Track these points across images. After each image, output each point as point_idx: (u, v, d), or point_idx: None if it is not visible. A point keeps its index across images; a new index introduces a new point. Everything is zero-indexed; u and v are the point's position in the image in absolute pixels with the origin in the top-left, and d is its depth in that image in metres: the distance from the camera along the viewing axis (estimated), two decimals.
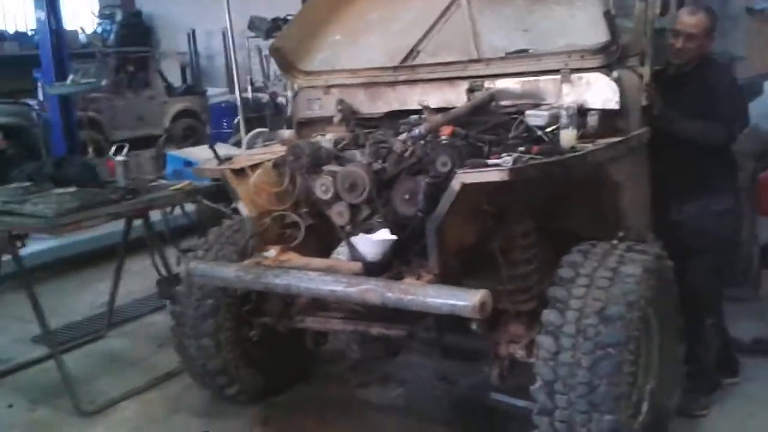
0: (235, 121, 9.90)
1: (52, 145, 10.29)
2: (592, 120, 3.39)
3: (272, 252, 3.67)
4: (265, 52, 11.25)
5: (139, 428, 4.16)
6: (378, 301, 3.04)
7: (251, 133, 5.48)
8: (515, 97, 3.68)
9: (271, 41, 6.26)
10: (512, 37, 3.84)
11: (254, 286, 3.50)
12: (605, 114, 3.43)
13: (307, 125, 4.34)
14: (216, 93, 14.55)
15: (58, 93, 9.69)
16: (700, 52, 3.81)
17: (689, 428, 3.79)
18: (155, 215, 5.33)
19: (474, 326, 3.11)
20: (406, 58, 4.08)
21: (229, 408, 4.21)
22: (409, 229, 3.31)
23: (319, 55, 4.37)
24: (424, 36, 4.10)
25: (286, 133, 4.45)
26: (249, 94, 12.10)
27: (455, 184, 2.94)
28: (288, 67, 4.37)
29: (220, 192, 4.82)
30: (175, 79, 16.38)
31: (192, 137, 13.63)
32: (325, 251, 3.68)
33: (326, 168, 3.62)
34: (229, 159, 3.90)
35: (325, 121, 4.22)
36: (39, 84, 11.72)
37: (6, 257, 4.60)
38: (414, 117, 3.83)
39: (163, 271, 5.21)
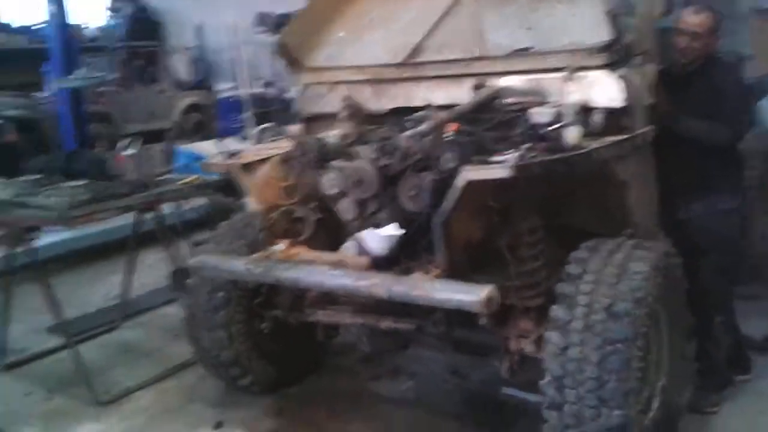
0: (243, 116, 9.96)
1: (63, 139, 10.37)
2: (597, 118, 3.40)
3: (281, 246, 3.73)
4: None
5: (154, 417, 4.24)
6: (385, 296, 3.09)
7: (258, 129, 5.53)
8: (520, 94, 3.68)
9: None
10: (517, 34, 3.85)
11: (264, 280, 3.55)
12: (610, 112, 3.44)
13: (312, 121, 4.37)
14: (224, 88, 14.56)
15: (67, 86, 9.76)
16: (705, 52, 3.82)
17: (700, 425, 3.80)
18: (167, 209, 5.41)
19: (482, 321, 3.14)
20: (411, 55, 4.10)
21: (243, 398, 4.28)
22: (416, 224, 3.34)
23: (324, 50, 4.38)
24: (429, 33, 4.10)
25: (294, 128, 4.49)
26: (257, 90, 12.15)
27: (460, 181, 2.98)
28: (294, 62, 4.40)
29: (229, 186, 4.90)
30: (184, 74, 16.40)
31: (201, 131, 13.68)
32: (334, 245, 3.72)
33: (333, 164, 3.68)
34: (237, 154, 3.95)
35: (331, 117, 4.23)
36: (47, 77, 11.77)
37: (20, 249, 4.68)
38: (420, 113, 3.86)
39: (175, 264, 5.30)
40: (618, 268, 3.03)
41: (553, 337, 2.98)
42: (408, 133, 3.59)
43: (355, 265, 3.37)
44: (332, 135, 3.92)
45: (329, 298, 3.78)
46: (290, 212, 3.89)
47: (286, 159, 3.90)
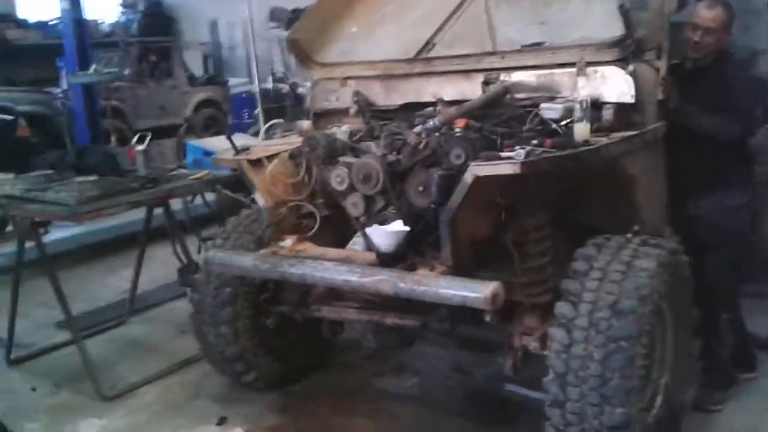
0: (255, 111, 9.97)
1: (76, 134, 10.42)
2: (607, 114, 3.37)
3: (288, 242, 3.73)
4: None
5: (159, 413, 4.23)
6: (391, 292, 3.08)
7: (267, 124, 5.53)
8: (530, 90, 3.67)
9: None
10: (528, 29, 3.83)
11: (270, 275, 3.55)
12: (620, 108, 3.41)
13: (323, 116, 4.37)
14: (237, 83, 14.62)
15: (81, 82, 9.79)
16: (718, 47, 3.78)
17: (704, 423, 3.78)
18: (176, 204, 5.42)
19: (488, 318, 3.12)
20: (421, 50, 4.09)
21: (247, 395, 4.27)
22: (423, 220, 3.32)
23: (335, 46, 4.39)
24: (440, 28, 4.10)
25: (305, 123, 4.48)
26: (269, 85, 12.16)
27: (468, 177, 2.96)
28: (305, 58, 4.40)
29: (239, 182, 4.88)
30: (197, 70, 16.48)
31: (213, 127, 13.72)
32: (341, 242, 3.73)
33: (342, 159, 3.67)
34: (246, 149, 3.94)
35: (342, 113, 4.24)
36: (62, 73, 11.84)
37: (30, 244, 4.70)
38: (429, 109, 3.84)
39: (184, 259, 5.30)
40: (624, 265, 3.00)
41: (557, 334, 2.97)
42: (417, 128, 3.59)
43: (362, 262, 3.36)
44: (341, 130, 3.90)
45: (335, 294, 3.77)
46: (298, 208, 3.88)
47: (294, 155, 3.89)
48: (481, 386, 4.24)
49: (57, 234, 6.47)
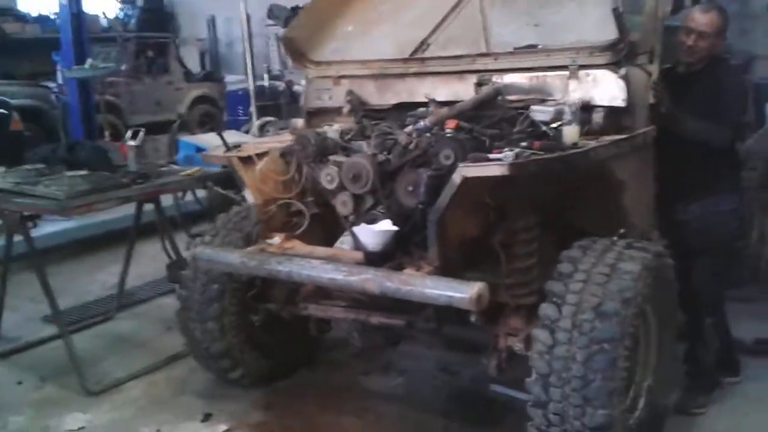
0: (251, 108, 9.97)
1: (71, 129, 10.40)
2: (598, 117, 3.38)
3: (277, 239, 3.73)
4: None
5: (144, 409, 4.22)
6: (377, 291, 3.08)
7: (259, 121, 5.53)
8: (523, 92, 3.67)
9: None
10: (522, 31, 3.85)
11: (257, 273, 3.54)
12: (611, 111, 3.42)
13: (316, 115, 4.37)
14: (234, 80, 14.60)
15: (76, 77, 9.77)
16: (711, 52, 3.79)
17: (687, 426, 3.80)
18: (167, 200, 5.41)
19: (473, 318, 3.13)
20: (415, 51, 4.10)
21: (233, 391, 4.27)
22: (412, 220, 3.33)
23: (330, 45, 4.39)
24: (435, 29, 4.11)
25: (300, 122, 4.48)
26: (266, 82, 12.17)
27: (456, 178, 2.96)
28: (299, 56, 4.40)
29: (230, 179, 4.88)
30: (194, 66, 16.47)
31: (209, 123, 13.71)
32: (330, 240, 3.72)
33: (332, 158, 3.66)
34: (237, 146, 3.94)
35: (335, 112, 4.24)
36: (58, 67, 11.82)
37: (18, 237, 4.68)
38: (421, 109, 3.84)
39: (173, 256, 5.29)
40: (608, 267, 3.00)
41: (540, 335, 2.97)
42: (408, 128, 3.59)
43: (349, 260, 3.36)
44: (333, 129, 3.90)
45: (323, 292, 3.78)
46: (288, 206, 3.88)
47: (285, 152, 3.89)
48: (467, 386, 4.24)
49: (46, 228, 6.45)
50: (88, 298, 6.04)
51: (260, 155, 3.86)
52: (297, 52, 4.39)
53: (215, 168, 5.12)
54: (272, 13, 12.05)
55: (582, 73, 3.49)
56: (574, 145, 3.15)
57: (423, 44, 4.12)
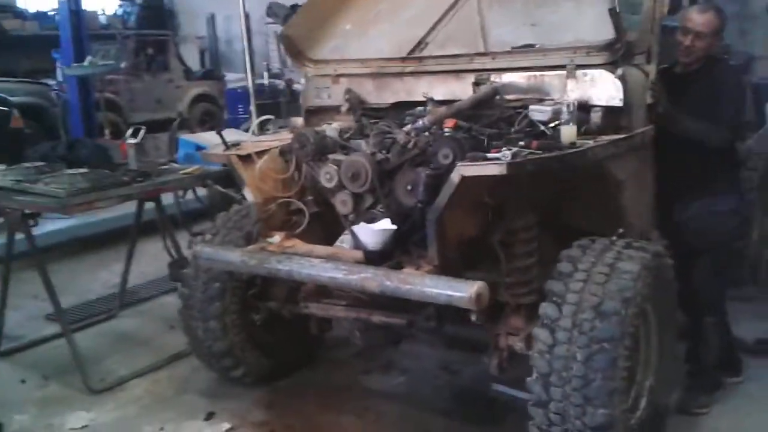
0: (251, 107, 9.96)
1: (71, 126, 10.40)
2: (596, 117, 3.38)
3: (277, 238, 3.74)
4: None
5: (147, 407, 4.24)
6: (376, 290, 3.09)
7: (257, 120, 5.52)
8: (521, 91, 3.68)
9: None
10: (520, 31, 3.86)
11: (257, 271, 3.56)
12: (609, 111, 3.42)
13: (315, 113, 4.36)
14: (234, 78, 14.61)
15: (76, 74, 9.78)
16: (708, 52, 3.79)
17: (689, 426, 3.80)
18: (168, 199, 5.42)
19: (473, 317, 3.14)
20: (414, 50, 4.10)
21: (235, 390, 4.29)
22: (411, 219, 3.34)
23: (328, 43, 4.39)
24: (433, 27, 4.12)
25: (299, 120, 4.49)
26: (265, 80, 12.15)
27: (455, 177, 2.97)
28: (298, 55, 4.40)
29: (230, 177, 4.89)
30: (194, 64, 16.47)
31: (209, 122, 13.72)
32: (330, 239, 3.73)
33: (331, 157, 3.68)
34: (236, 145, 3.95)
35: (334, 110, 4.23)
36: (58, 64, 11.83)
37: (19, 236, 4.70)
38: (420, 108, 3.85)
39: (175, 254, 5.31)
40: (608, 267, 3.01)
41: (540, 334, 2.98)
42: (406, 127, 3.60)
43: (349, 259, 3.37)
44: (332, 128, 3.91)
45: (324, 291, 3.78)
46: (287, 205, 3.89)
47: (284, 151, 3.90)
48: (468, 385, 4.26)
49: (48, 227, 6.48)
50: (90, 296, 6.06)
51: (259, 154, 3.87)
52: (295, 50, 4.39)
53: (215, 166, 5.12)
54: (271, 10, 12.02)
55: (579, 72, 3.48)
56: (572, 145, 3.16)
57: (421, 43, 4.13)
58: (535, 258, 3.32)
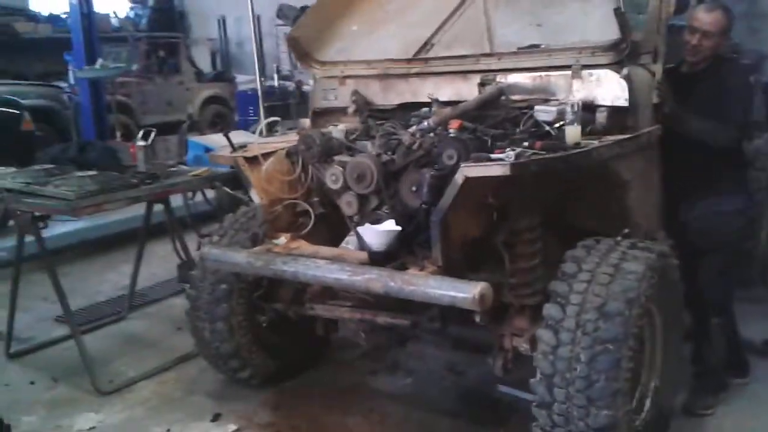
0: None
1: (83, 129, 10.47)
2: (601, 117, 3.37)
3: (283, 239, 3.74)
4: None
5: (155, 408, 4.25)
6: (381, 291, 3.09)
7: (265, 121, 5.55)
8: (526, 92, 3.67)
9: None
10: (525, 31, 3.84)
11: (263, 273, 3.56)
12: (615, 111, 3.40)
13: (322, 115, 4.38)
14: (245, 80, 14.66)
15: (87, 77, 9.84)
16: (715, 51, 3.77)
17: (694, 427, 3.79)
18: (177, 201, 5.44)
19: (477, 318, 3.13)
20: (420, 51, 4.10)
21: (242, 391, 4.30)
22: (416, 220, 3.34)
23: (335, 45, 4.40)
24: (439, 28, 4.12)
25: (308, 122, 4.50)
26: (275, 82, 12.19)
27: (458, 178, 2.96)
28: (305, 56, 4.41)
29: (238, 179, 4.90)
30: (206, 66, 16.53)
31: (220, 124, 13.77)
32: (336, 240, 3.73)
33: (337, 158, 3.68)
34: (243, 147, 3.96)
35: (341, 112, 4.25)
36: (70, 67, 11.90)
37: (30, 238, 4.73)
38: (425, 109, 3.85)
39: (184, 256, 5.33)
40: (612, 267, 3.00)
41: (544, 335, 2.97)
42: (412, 129, 3.60)
43: (354, 260, 3.37)
44: (338, 129, 3.91)
45: (329, 292, 3.78)
46: (293, 206, 3.90)
47: (291, 153, 3.91)
48: (474, 386, 4.25)
49: (57, 229, 6.51)
50: (100, 298, 6.09)
51: (266, 155, 3.88)
52: (302, 52, 4.41)
53: (223, 168, 5.15)
54: (282, 12, 12.09)
55: (585, 72, 3.48)
56: (577, 145, 3.15)
57: (427, 44, 4.13)
58: (540, 259, 3.31)
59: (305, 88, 11.78)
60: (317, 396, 4.24)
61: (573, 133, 3.17)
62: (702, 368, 3.93)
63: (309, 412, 4.09)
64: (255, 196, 3.85)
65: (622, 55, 3.43)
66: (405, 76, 4.08)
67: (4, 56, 14.54)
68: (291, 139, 4.09)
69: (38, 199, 4.54)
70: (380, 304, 3.54)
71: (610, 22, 3.41)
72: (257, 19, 9.89)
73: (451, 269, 3.18)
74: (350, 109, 4.18)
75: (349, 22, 4.45)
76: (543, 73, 3.66)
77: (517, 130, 3.44)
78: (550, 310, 2.99)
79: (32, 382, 4.63)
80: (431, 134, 3.49)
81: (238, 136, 4.89)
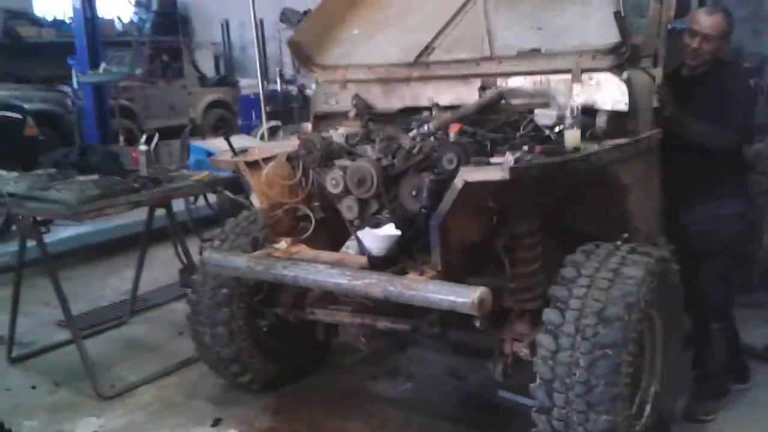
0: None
1: (86, 133, 10.49)
2: (601, 121, 3.37)
3: (283, 244, 3.75)
4: None
5: (156, 413, 4.25)
6: (380, 295, 3.09)
7: (265, 125, 5.55)
8: (527, 96, 3.68)
9: None
10: (526, 35, 3.83)
11: (264, 277, 3.56)
12: (615, 115, 3.40)
13: (324, 119, 4.39)
14: (248, 84, 14.68)
15: (90, 81, 9.86)
16: (716, 54, 3.76)
17: None
18: (179, 205, 5.44)
19: (477, 323, 3.12)
20: (420, 55, 4.10)
21: (242, 396, 4.30)
22: (415, 225, 3.33)
23: (336, 49, 4.41)
24: (440, 33, 4.10)
25: (310, 126, 4.51)
26: (278, 86, 12.19)
27: (458, 182, 2.96)
28: (306, 60, 4.42)
29: (240, 183, 4.91)
30: (209, 70, 16.56)
31: (224, 128, 13.78)
32: (336, 244, 3.73)
33: (337, 162, 3.69)
34: (244, 151, 3.97)
35: (342, 116, 4.26)
36: (73, 71, 11.94)
37: (31, 243, 4.74)
38: (425, 114, 3.85)
39: (185, 261, 5.33)
40: (611, 272, 3.00)
41: (544, 340, 2.97)
42: (411, 133, 3.60)
43: (354, 265, 3.37)
44: (338, 134, 3.92)
45: (330, 297, 3.78)
46: (294, 210, 3.90)
47: (291, 157, 3.91)
48: (474, 391, 4.24)
49: (59, 233, 6.53)
50: (101, 303, 6.10)
51: (266, 160, 3.88)
52: (304, 56, 4.41)
53: (225, 173, 5.15)
54: (285, 16, 12.13)
55: (585, 76, 3.47)
56: (576, 150, 3.15)
57: (428, 48, 4.12)
58: (540, 263, 3.30)
59: (308, 92, 11.80)
60: (318, 401, 4.24)
61: (573, 137, 3.17)
62: (702, 373, 3.92)
63: (309, 416, 4.09)
64: (255, 201, 3.85)
65: (622, 58, 3.43)
66: (406, 80, 4.09)
67: (7, 60, 14.59)
68: (292, 143, 4.09)
69: (40, 203, 4.54)
70: (380, 308, 3.53)
71: (610, 25, 3.40)
72: (260, 23, 9.91)
73: (451, 274, 3.17)
74: (351, 114, 4.19)
75: (350, 27, 4.46)
76: (543, 77, 3.65)
77: (517, 134, 3.44)
78: (549, 314, 2.98)
79: (34, 387, 4.63)
80: (431, 138, 3.49)
81: (240, 141, 4.88)
